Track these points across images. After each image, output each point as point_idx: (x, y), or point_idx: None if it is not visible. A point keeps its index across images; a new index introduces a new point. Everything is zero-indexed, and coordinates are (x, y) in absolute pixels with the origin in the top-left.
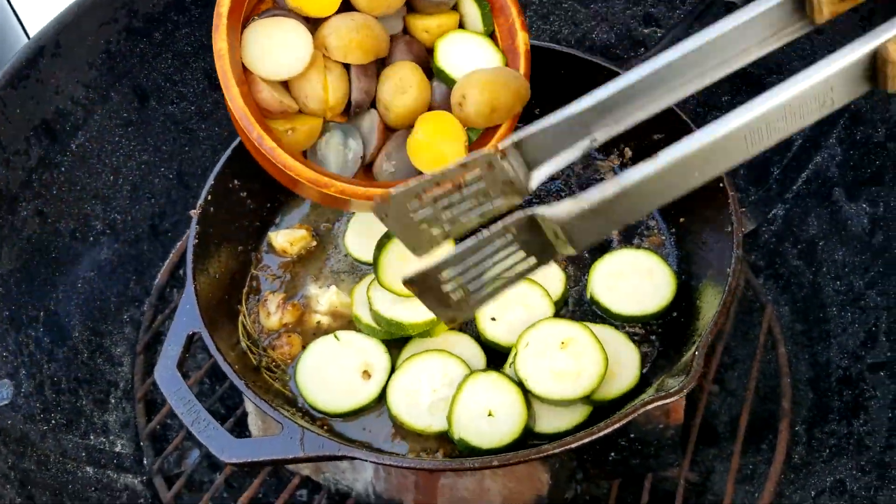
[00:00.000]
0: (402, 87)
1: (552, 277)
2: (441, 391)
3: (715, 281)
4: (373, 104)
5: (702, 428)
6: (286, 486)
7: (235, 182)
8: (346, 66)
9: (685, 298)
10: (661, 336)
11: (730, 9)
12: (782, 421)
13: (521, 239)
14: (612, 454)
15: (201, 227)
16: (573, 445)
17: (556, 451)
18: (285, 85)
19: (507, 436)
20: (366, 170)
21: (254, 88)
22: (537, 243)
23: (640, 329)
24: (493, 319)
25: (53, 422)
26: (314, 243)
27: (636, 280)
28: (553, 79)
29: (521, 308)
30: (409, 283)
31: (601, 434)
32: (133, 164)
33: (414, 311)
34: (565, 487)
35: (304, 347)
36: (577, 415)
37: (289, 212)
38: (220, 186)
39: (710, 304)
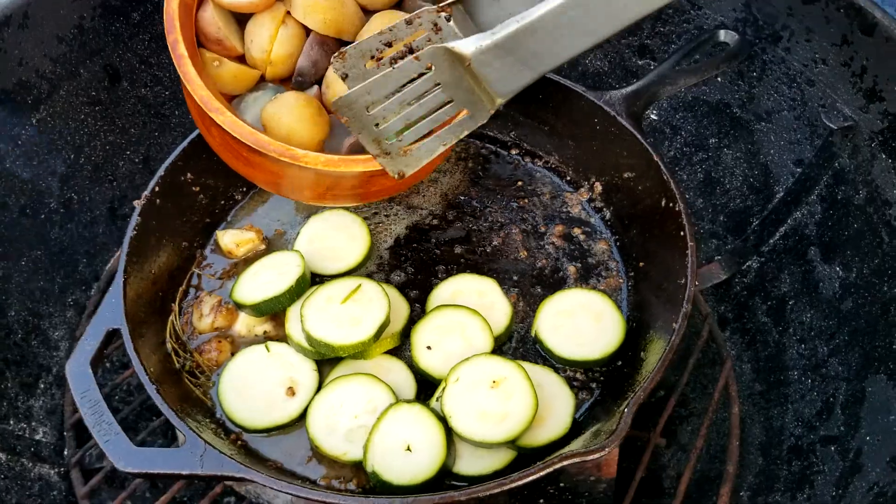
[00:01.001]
0: None
1: (498, 310)
2: (362, 418)
3: (662, 333)
4: (319, 83)
5: (647, 481)
6: (208, 493)
7: (189, 175)
8: (308, 33)
9: (632, 347)
10: (602, 384)
11: (721, 48)
12: (724, 485)
13: (444, 79)
14: (542, 500)
15: (143, 218)
16: (481, 495)
17: (462, 499)
18: (241, 25)
19: (422, 473)
20: None
21: (202, 5)
22: (462, 89)
23: (581, 374)
24: (429, 348)
25: None
26: (262, 247)
27: (584, 322)
28: (531, 99)
29: (459, 339)
30: (337, 108)
31: (512, 486)
32: (97, 144)
33: (345, 333)
34: None
35: (232, 355)
36: (500, 459)
37: (241, 212)
38: (171, 178)
39: (655, 357)
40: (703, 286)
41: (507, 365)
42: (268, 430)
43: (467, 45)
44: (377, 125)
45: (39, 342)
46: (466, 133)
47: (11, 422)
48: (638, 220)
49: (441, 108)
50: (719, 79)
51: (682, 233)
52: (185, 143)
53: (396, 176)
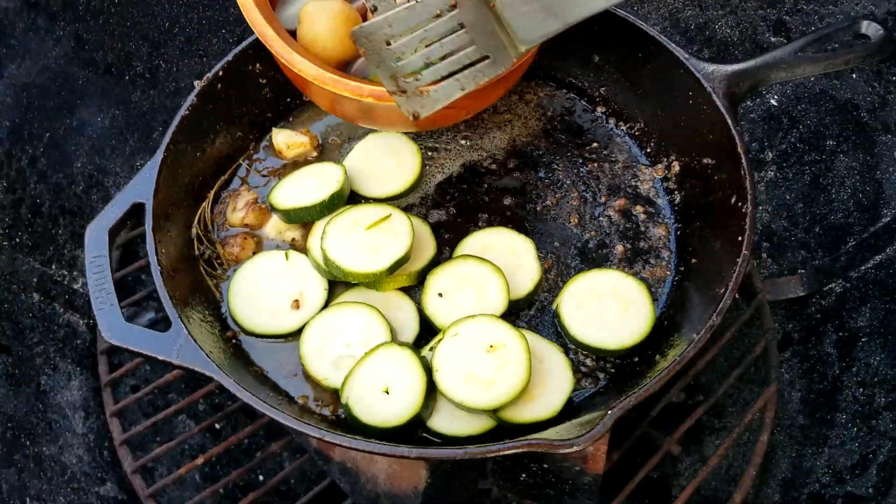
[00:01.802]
0: None
1: (525, 274)
2: (354, 348)
3: (686, 341)
4: None
5: (656, 484)
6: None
7: (258, 66)
8: None
9: (654, 346)
10: (611, 375)
11: (862, 40)
12: None
13: (468, 19)
14: (524, 475)
15: (199, 101)
16: (427, 457)
17: (411, 457)
18: None
19: (393, 419)
20: None
21: None
22: (485, 33)
23: (592, 361)
24: (440, 295)
25: (17, 240)
26: (314, 153)
27: (611, 308)
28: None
29: (473, 293)
30: (356, 38)
31: (465, 457)
32: (194, 17)
33: (361, 260)
34: (453, 490)
35: (254, 255)
36: (478, 424)
37: (304, 114)
38: (238, 66)
39: (665, 364)
40: (777, 298)
41: (509, 332)
42: (264, 336)
43: None
44: (396, 61)
45: (100, 197)
46: (486, 81)
47: (53, 266)
48: (704, 211)
49: (462, 50)
50: (853, 75)
51: (740, 238)
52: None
53: (411, 117)
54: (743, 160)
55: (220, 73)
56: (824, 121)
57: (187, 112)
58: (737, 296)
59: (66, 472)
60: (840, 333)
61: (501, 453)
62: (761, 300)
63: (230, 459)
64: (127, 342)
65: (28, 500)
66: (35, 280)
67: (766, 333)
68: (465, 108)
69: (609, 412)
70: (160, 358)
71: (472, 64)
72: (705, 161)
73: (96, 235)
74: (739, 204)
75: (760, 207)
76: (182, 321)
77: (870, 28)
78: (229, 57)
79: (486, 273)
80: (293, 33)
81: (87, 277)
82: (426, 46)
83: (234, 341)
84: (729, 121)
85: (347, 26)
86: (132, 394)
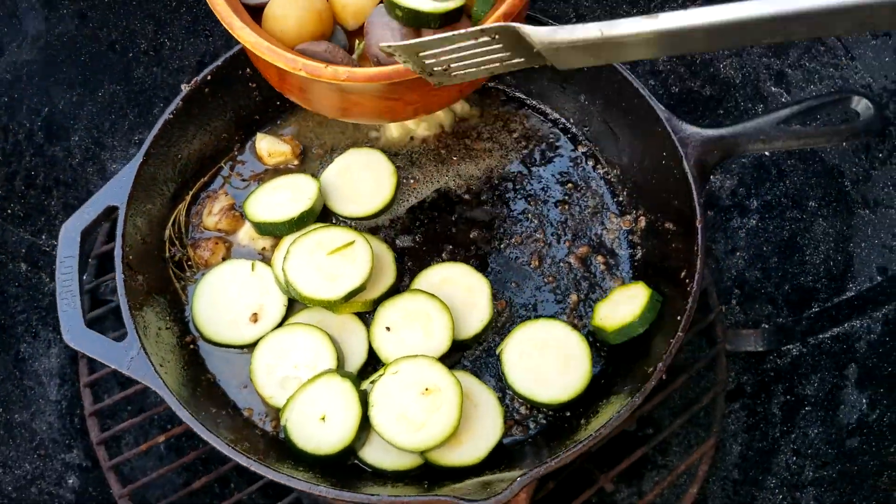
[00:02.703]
0: None
1: (476, 314)
2: (301, 371)
3: (617, 406)
4: None
5: None
6: None
7: (248, 70)
8: None
9: (586, 403)
10: (541, 426)
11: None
12: None
13: (505, 49)
14: None
15: (185, 104)
16: (337, 498)
17: (320, 494)
18: None
19: (325, 446)
20: None
21: None
22: (522, 49)
23: (525, 409)
24: (388, 329)
25: (9, 212)
26: (295, 162)
27: (551, 360)
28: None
29: (420, 330)
30: (389, 52)
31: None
32: None
33: (317, 286)
34: None
35: (223, 260)
36: (407, 461)
37: (291, 121)
38: (227, 70)
39: (592, 427)
40: (736, 349)
41: (446, 378)
42: (221, 345)
43: (540, 36)
44: (427, 61)
45: (95, 170)
46: (513, 69)
47: (43, 237)
48: (659, 275)
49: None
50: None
51: (679, 317)
52: None
53: (435, 84)
54: (699, 237)
55: (209, 77)
56: (810, 181)
57: (171, 116)
58: (697, 339)
59: (35, 438)
60: (787, 397)
61: (417, 500)
62: (720, 349)
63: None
64: (83, 347)
65: None
66: (24, 250)
67: (716, 386)
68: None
69: (518, 479)
70: (112, 367)
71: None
72: (667, 225)
73: (69, 236)
74: (687, 281)
75: (738, 253)
76: (138, 332)
77: (860, 104)
78: (219, 62)
79: (434, 310)
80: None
81: (56, 275)
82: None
83: (192, 346)
84: (694, 191)
85: (312, 16)
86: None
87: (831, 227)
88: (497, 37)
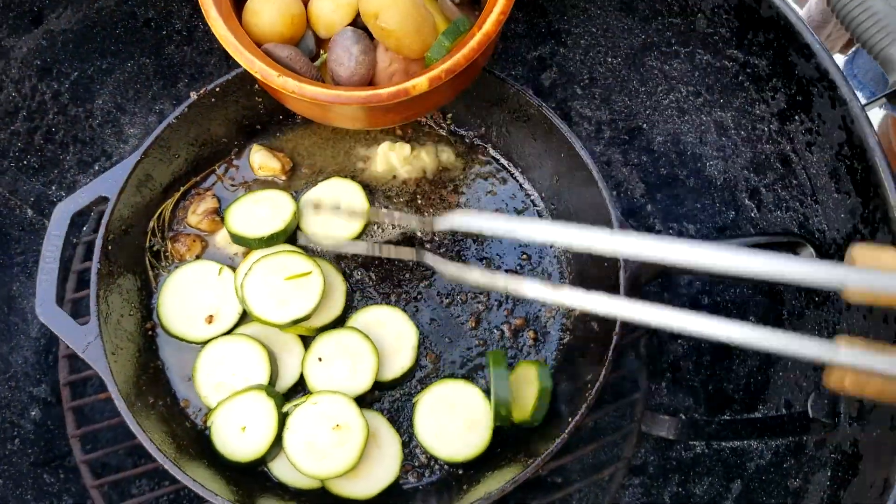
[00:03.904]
0: None
1: (399, 359)
2: (235, 380)
3: (512, 468)
4: None
5: None
6: None
7: (256, 85)
8: None
9: (480, 466)
10: (436, 476)
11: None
12: None
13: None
14: None
15: (189, 111)
16: None
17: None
18: None
19: (239, 455)
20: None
21: None
22: None
23: (425, 457)
24: (320, 360)
25: (24, 163)
26: (283, 178)
27: (458, 421)
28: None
29: (347, 365)
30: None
31: None
32: None
33: (265, 308)
34: None
35: (197, 258)
36: (306, 482)
37: (292, 137)
38: (237, 83)
39: (480, 492)
40: (650, 431)
41: (357, 419)
42: (176, 338)
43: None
44: None
45: (113, 132)
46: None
47: (53, 188)
48: (572, 367)
49: None
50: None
51: (570, 418)
52: None
53: None
54: (609, 352)
55: (217, 89)
56: (756, 297)
57: (175, 120)
58: (623, 408)
59: (9, 369)
60: (679, 489)
61: None
62: (634, 427)
63: None
64: (50, 323)
65: None
66: (32, 198)
67: (620, 461)
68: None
69: None
70: (69, 349)
71: None
72: (592, 324)
73: (61, 217)
74: (588, 386)
75: (680, 341)
76: (99, 319)
77: (804, 252)
78: (229, 76)
79: (365, 351)
80: None
81: (42, 249)
82: None
83: (150, 333)
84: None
85: (285, 19)
86: None
87: (755, 361)
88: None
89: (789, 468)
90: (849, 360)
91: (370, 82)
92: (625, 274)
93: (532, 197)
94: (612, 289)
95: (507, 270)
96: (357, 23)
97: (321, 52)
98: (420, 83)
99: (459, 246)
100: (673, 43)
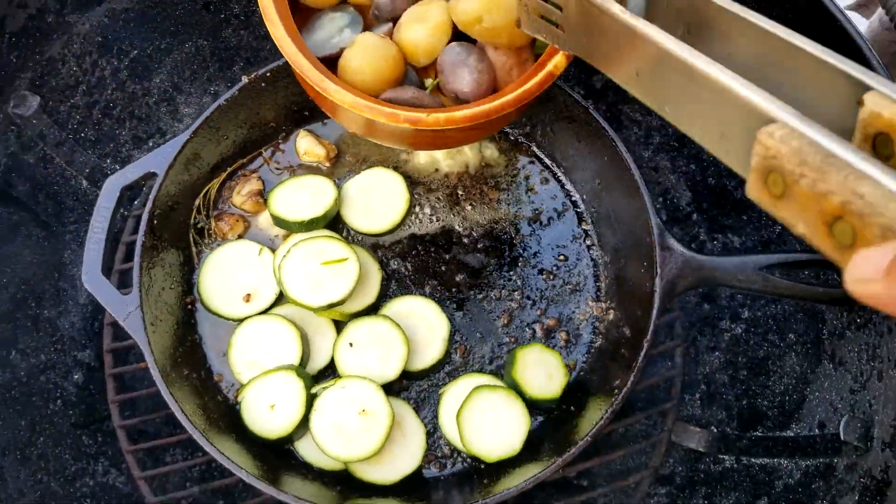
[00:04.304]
0: (421, 18)
1: (429, 352)
2: (269, 357)
3: (534, 467)
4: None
5: None
6: None
7: None
8: None
9: (506, 461)
10: (457, 469)
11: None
12: None
13: None
14: None
15: (240, 94)
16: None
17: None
18: None
19: (266, 432)
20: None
21: None
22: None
23: (448, 449)
24: (351, 345)
25: (82, 135)
26: (327, 164)
27: (487, 418)
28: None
29: (377, 353)
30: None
31: None
32: None
33: (301, 291)
34: None
35: (239, 237)
36: (330, 463)
37: (334, 124)
38: (288, 68)
39: (501, 487)
40: (680, 442)
41: (384, 406)
42: (213, 314)
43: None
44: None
45: (168, 111)
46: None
47: (108, 161)
48: (604, 370)
49: None
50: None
51: (595, 426)
52: None
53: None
54: (639, 358)
55: (268, 73)
56: (797, 315)
57: (225, 102)
58: (655, 416)
59: (56, 333)
60: (705, 502)
61: None
62: (664, 437)
63: None
64: (95, 290)
65: (14, 351)
66: (88, 170)
67: (648, 469)
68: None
69: None
70: (112, 316)
71: None
72: (624, 329)
73: (110, 189)
74: (616, 391)
75: (717, 353)
76: (141, 291)
77: None
78: (281, 61)
79: (395, 340)
80: (324, 61)
81: (91, 221)
82: None
83: (189, 307)
84: (654, 311)
85: (388, 63)
86: None
87: (798, 365)
88: None
89: (817, 489)
90: None
91: (495, 88)
92: (660, 282)
93: (574, 198)
94: (647, 295)
95: (541, 270)
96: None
97: (424, 79)
98: (559, 60)
99: (497, 244)
100: None
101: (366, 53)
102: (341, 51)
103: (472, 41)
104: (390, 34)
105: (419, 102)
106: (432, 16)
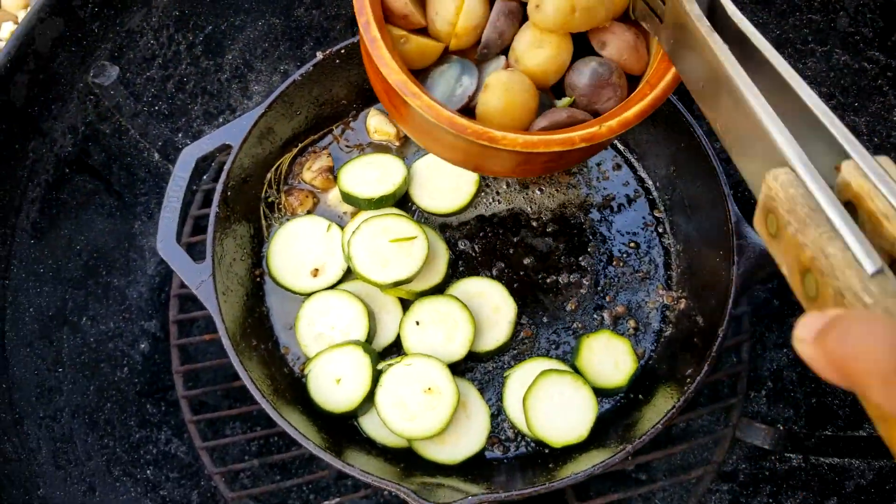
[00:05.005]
0: (539, 41)
1: (495, 333)
2: (335, 332)
3: (601, 453)
4: (506, 52)
5: None
6: None
7: None
8: (491, 2)
9: (571, 446)
10: (520, 452)
11: None
12: None
13: None
14: None
15: (314, 70)
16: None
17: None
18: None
19: (332, 405)
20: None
21: None
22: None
23: (512, 433)
24: (417, 323)
25: (156, 108)
26: (396, 143)
27: (553, 403)
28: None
29: (443, 332)
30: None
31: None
32: None
33: (369, 268)
34: None
35: (308, 213)
36: (393, 440)
37: None
38: (359, 48)
39: (566, 472)
40: (744, 439)
41: (449, 386)
42: (281, 287)
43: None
44: None
45: (239, 87)
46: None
47: (180, 135)
48: (673, 360)
49: None
50: None
51: (666, 414)
52: None
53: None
54: (714, 347)
55: (342, 50)
56: None
57: (300, 78)
58: (718, 412)
59: (124, 302)
60: (770, 501)
61: (375, 485)
62: (728, 433)
63: None
64: (169, 258)
65: (84, 318)
66: (160, 143)
67: (710, 464)
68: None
69: (469, 498)
70: (184, 284)
71: None
72: (697, 318)
73: (186, 161)
74: (689, 381)
75: (785, 350)
76: (214, 260)
77: None
78: (354, 38)
79: (461, 320)
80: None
81: (167, 189)
82: None
83: (258, 279)
84: (730, 301)
85: (531, 94)
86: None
87: None
88: None
89: (892, 491)
90: None
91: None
92: (737, 270)
93: (646, 185)
94: (722, 285)
95: (611, 257)
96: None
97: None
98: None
99: (567, 228)
100: (809, 41)
101: (507, 92)
102: (469, 100)
103: (584, 47)
104: (507, 66)
105: (574, 120)
106: (547, 37)
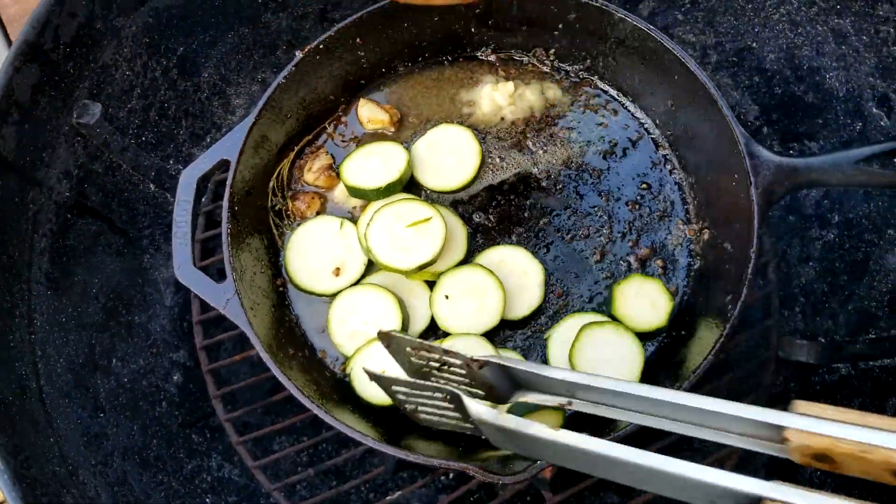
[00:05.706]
0: None
1: (526, 298)
2: (368, 327)
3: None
4: None
5: None
6: None
7: (358, 40)
8: None
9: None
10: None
11: None
12: None
13: (456, 407)
14: None
15: (297, 69)
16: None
17: (367, 444)
18: None
19: (381, 398)
20: None
21: None
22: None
23: None
24: (447, 297)
25: (143, 139)
26: (392, 130)
27: (598, 353)
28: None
29: (475, 303)
30: (369, 375)
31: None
32: None
33: (391, 255)
34: None
35: (318, 214)
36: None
37: (395, 88)
38: (339, 39)
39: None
40: (788, 357)
41: (488, 349)
42: (305, 292)
43: (477, 411)
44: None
45: (220, 104)
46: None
47: (171, 161)
48: (709, 291)
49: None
50: None
51: (715, 344)
52: (363, 12)
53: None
54: (749, 268)
55: (321, 45)
56: (894, 210)
57: (284, 80)
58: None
59: (149, 337)
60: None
61: (443, 468)
62: (771, 355)
63: None
64: (190, 283)
65: (114, 359)
66: (153, 173)
67: (759, 389)
68: None
69: (538, 463)
70: (210, 306)
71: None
72: (725, 245)
73: (187, 182)
74: (729, 307)
75: (811, 263)
76: (235, 276)
77: None
78: (331, 31)
79: (490, 287)
80: None
81: (174, 214)
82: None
83: (280, 289)
84: (755, 220)
85: None
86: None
87: None
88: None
89: None
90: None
91: None
92: (756, 190)
93: (646, 125)
94: (744, 207)
95: (626, 202)
96: None
97: None
98: None
99: (576, 182)
100: None
101: None
102: None
103: None
104: None
105: None
106: None
